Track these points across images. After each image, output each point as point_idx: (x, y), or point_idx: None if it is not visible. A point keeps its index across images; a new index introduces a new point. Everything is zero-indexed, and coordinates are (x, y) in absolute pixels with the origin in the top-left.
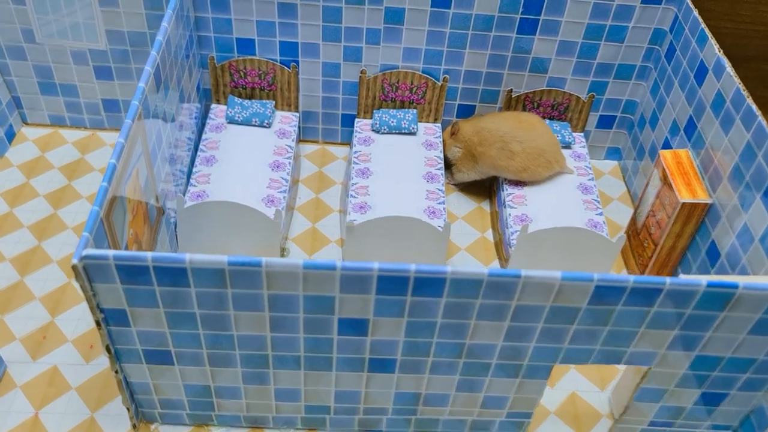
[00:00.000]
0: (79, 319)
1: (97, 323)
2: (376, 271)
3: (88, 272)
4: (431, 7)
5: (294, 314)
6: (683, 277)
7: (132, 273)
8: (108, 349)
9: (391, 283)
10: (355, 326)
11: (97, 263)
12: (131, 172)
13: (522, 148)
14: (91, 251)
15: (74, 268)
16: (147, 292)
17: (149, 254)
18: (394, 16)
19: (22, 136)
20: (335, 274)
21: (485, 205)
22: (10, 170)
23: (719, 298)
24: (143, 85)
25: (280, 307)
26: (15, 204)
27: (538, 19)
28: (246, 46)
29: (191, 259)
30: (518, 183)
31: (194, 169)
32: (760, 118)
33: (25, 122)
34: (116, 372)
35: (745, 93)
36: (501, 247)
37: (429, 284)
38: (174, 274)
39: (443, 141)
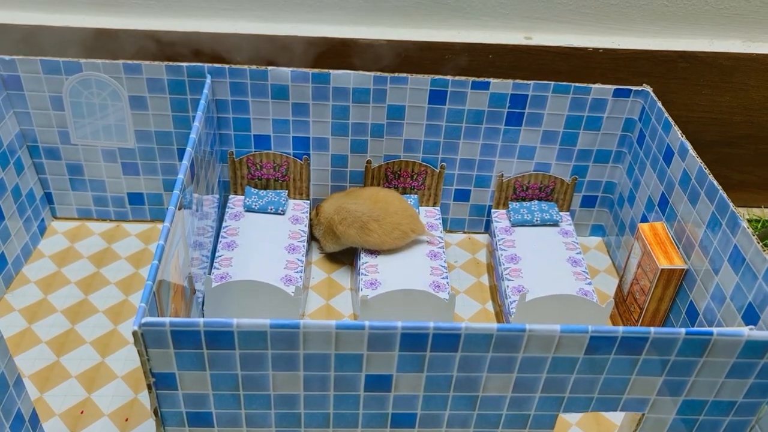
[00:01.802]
0: (113, 395)
1: (149, 387)
2: (400, 329)
3: (145, 338)
4: (428, 104)
5: (326, 372)
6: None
7: (185, 338)
8: (156, 413)
9: (413, 340)
10: (381, 382)
11: (155, 329)
12: (173, 253)
13: (379, 224)
14: (150, 319)
15: (134, 334)
16: (196, 355)
17: (201, 320)
18: (396, 112)
19: (53, 230)
20: (364, 333)
21: (484, 279)
22: (43, 260)
23: (698, 345)
24: (182, 176)
25: (313, 365)
26: (48, 291)
27: (524, 113)
28: (262, 141)
29: (238, 323)
30: (513, 257)
31: (217, 254)
32: (721, 191)
33: (54, 216)
34: None
35: (707, 171)
36: (501, 316)
37: (445, 340)
38: (222, 338)
39: (310, 220)
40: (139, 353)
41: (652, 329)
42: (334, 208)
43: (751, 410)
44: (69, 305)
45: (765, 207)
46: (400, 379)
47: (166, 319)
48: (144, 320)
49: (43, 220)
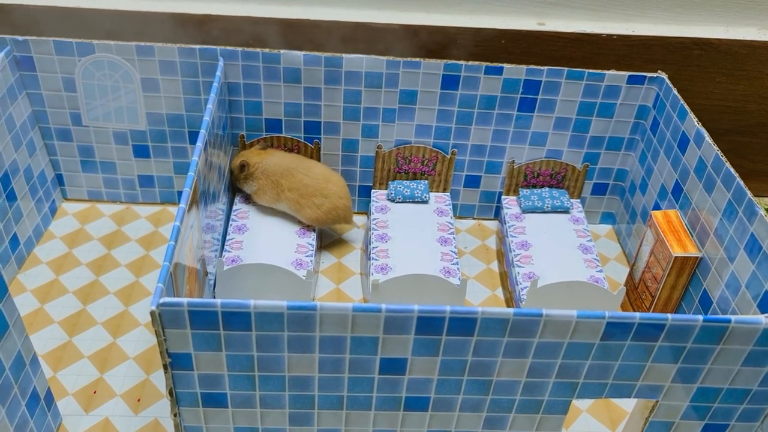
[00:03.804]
0: (125, 375)
1: (165, 367)
2: (416, 312)
3: (162, 318)
4: (441, 89)
5: (340, 355)
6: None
7: (202, 318)
8: (171, 393)
9: (428, 324)
10: (395, 365)
11: (173, 309)
12: (189, 235)
13: (322, 200)
14: (168, 299)
15: (152, 314)
16: (213, 336)
17: (218, 301)
18: (408, 97)
19: (63, 211)
20: (380, 316)
21: (494, 266)
22: (54, 241)
23: (715, 332)
24: (196, 158)
25: (329, 348)
26: (60, 272)
27: (536, 98)
28: (273, 125)
29: (255, 305)
30: (524, 244)
31: (228, 237)
32: (738, 179)
33: (65, 198)
34: (175, 415)
35: (724, 158)
36: (512, 303)
37: (461, 324)
38: (238, 319)
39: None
40: (156, 333)
41: (669, 316)
42: (279, 170)
43: (766, 399)
44: (80, 286)
45: None
46: (415, 363)
47: (184, 300)
48: (162, 300)
49: (54, 201)
